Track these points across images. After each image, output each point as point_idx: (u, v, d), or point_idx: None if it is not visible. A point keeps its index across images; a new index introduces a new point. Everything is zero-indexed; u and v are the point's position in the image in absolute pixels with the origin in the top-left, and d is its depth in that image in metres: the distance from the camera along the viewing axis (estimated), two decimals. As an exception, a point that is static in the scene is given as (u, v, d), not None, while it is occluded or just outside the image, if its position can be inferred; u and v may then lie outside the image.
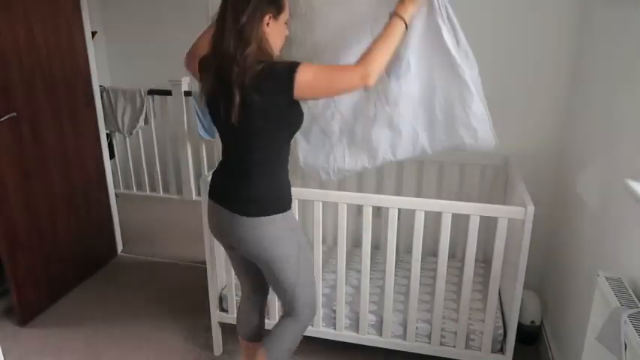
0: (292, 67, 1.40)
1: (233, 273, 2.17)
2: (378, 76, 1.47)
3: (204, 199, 2.07)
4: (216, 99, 1.51)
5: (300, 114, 1.55)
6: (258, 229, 1.58)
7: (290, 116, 1.53)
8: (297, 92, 1.41)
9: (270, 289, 1.88)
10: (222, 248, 2.04)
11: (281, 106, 1.46)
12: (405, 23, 1.53)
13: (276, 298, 2.10)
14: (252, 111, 1.44)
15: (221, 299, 2.28)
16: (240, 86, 1.40)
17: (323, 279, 2.13)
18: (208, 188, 1.71)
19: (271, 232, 1.59)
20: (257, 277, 1.80)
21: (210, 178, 1.72)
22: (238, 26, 1.39)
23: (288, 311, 1.77)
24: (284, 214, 1.61)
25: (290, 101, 1.45)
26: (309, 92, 1.46)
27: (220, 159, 1.70)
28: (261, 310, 1.94)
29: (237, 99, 1.41)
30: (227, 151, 1.65)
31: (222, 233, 1.70)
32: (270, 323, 2.15)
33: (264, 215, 1.58)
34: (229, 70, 1.41)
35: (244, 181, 1.58)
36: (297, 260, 1.66)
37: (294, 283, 1.68)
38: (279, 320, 1.83)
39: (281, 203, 1.61)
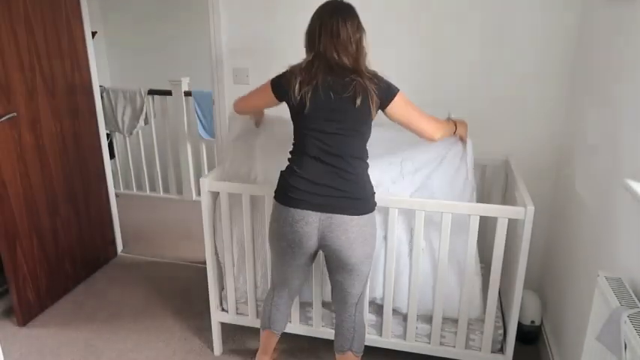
0: (396, 88, 1.70)
1: (233, 273, 2.18)
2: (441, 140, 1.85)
3: (204, 198, 2.08)
4: (328, 100, 1.63)
5: None
6: (368, 226, 1.71)
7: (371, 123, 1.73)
8: (391, 105, 1.68)
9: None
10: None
11: (372, 112, 1.67)
12: (455, 129, 1.93)
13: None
14: (366, 109, 1.64)
15: (221, 299, 2.28)
16: (362, 87, 1.62)
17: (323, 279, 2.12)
18: (285, 196, 1.70)
19: (374, 228, 1.76)
20: (307, 276, 1.93)
21: (282, 184, 1.72)
22: (355, 38, 1.67)
23: (352, 306, 1.83)
24: (375, 211, 1.76)
25: (376, 111, 1.68)
26: (396, 112, 1.70)
27: (295, 163, 1.71)
28: (294, 302, 2.05)
29: (371, 93, 1.62)
30: (319, 151, 1.67)
31: (316, 240, 1.69)
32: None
33: (372, 212, 1.72)
34: (352, 73, 1.63)
35: (352, 179, 1.67)
36: (373, 257, 1.81)
37: (369, 273, 1.83)
38: (347, 320, 1.85)
39: (373, 199, 1.75)
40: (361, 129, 1.69)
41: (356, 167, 1.69)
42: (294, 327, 2.17)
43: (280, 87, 1.71)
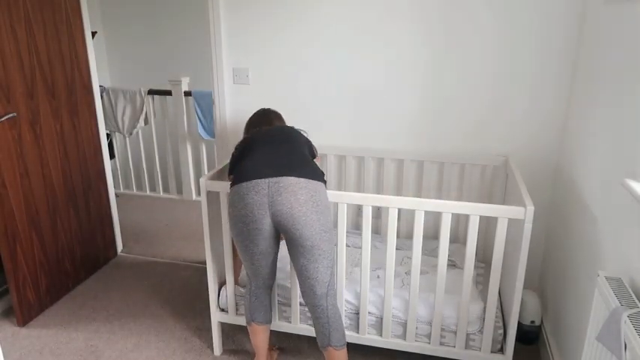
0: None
1: (233, 273, 2.18)
2: None
3: (204, 198, 2.08)
4: (272, 144, 1.92)
5: None
6: (318, 193, 1.76)
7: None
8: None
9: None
10: (221, 247, 2.03)
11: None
12: None
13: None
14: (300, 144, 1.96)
15: (221, 300, 2.28)
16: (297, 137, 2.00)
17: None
18: (237, 175, 1.79)
19: (326, 199, 1.81)
20: (274, 263, 1.95)
21: (242, 168, 1.82)
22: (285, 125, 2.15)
23: (322, 297, 1.84)
24: (325, 186, 1.85)
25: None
26: None
27: (245, 153, 1.87)
28: (272, 291, 2.08)
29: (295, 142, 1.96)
30: (268, 140, 1.90)
31: (267, 210, 1.72)
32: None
33: (321, 182, 1.80)
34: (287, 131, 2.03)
35: (301, 152, 1.85)
36: (333, 235, 1.82)
37: (333, 259, 1.84)
38: (321, 316, 1.87)
39: (323, 176, 1.84)
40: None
41: (304, 150, 1.87)
42: (294, 327, 2.17)
43: (233, 159, 1.97)
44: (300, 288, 1.89)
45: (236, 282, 2.20)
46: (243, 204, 1.75)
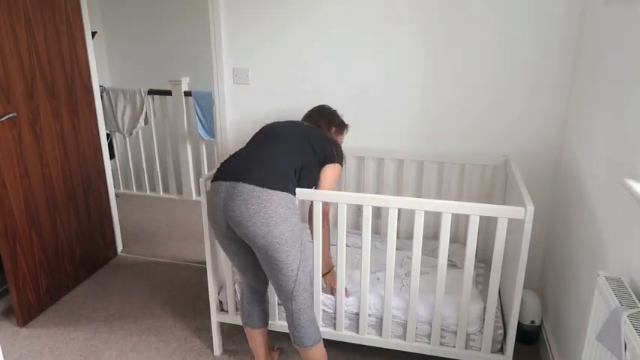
0: (336, 159, 2.02)
1: (232, 273, 2.18)
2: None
3: (204, 199, 2.08)
4: (265, 143, 1.89)
5: None
6: (274, 204, 1.67)
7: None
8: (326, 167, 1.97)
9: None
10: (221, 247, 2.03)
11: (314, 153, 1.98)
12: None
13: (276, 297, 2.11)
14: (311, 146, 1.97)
15: (220, 299, 2.28)
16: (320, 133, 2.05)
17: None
18: (216, 173, 1.80)
19: (285, 209, 1.70)
20: (256, 268, 1.90)
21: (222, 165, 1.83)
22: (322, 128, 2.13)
23: (287, 301, 1.82)
24: (291, 195, 1.75)
25: (317, 158, 1.96)
26: (323, 172, 1.99)
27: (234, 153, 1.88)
28: (265, 296, 2.05)
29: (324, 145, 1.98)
30: (257, 144, 1.90)
31: (222, 213, 1.70)
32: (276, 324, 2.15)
33: (280, 191, 1.70)
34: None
35: (275, 162, 1.78)
36: (301, 246, 1.77)
37: (298, 268, 1.76)
38: (287, 315, 1.87)
39: (289, 185, 1.76)
40: (303, 152, 1.86)
41: (293, 157, 1.81)
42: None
43: None
44: None
45: None
46: (210, 204, 1.77)
